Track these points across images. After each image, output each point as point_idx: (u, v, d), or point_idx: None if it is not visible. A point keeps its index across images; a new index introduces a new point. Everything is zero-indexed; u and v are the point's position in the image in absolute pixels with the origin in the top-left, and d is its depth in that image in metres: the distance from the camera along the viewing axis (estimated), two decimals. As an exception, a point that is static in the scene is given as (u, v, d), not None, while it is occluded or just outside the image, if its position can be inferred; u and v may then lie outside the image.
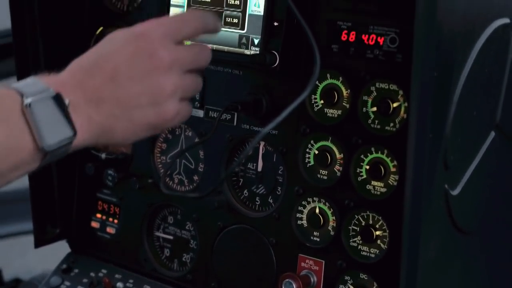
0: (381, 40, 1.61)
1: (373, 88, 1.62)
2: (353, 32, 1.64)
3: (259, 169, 1.83)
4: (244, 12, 1.71)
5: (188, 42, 1.54)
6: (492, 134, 1.67)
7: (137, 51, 1.42)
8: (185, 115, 1.51)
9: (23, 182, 2.15)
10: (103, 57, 1.41)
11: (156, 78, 1.42)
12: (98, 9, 2.05)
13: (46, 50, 1.99)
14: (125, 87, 1.40)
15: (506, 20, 1.62)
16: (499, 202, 1.79)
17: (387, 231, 1.65)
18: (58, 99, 1.31)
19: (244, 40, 1.72)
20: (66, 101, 1.32)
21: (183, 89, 1.47)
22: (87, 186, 2.14)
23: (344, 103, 1.66)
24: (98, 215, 2.15)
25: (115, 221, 2.12)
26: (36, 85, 1.32)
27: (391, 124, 1.60)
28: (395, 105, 1.59)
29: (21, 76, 1.99)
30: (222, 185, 1.86)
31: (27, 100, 1.28)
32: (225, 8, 1.74)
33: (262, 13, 1.69)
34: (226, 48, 1.75)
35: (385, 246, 1.65)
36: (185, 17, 1.52)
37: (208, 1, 1.76)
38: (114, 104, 1.39)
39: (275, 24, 1.67)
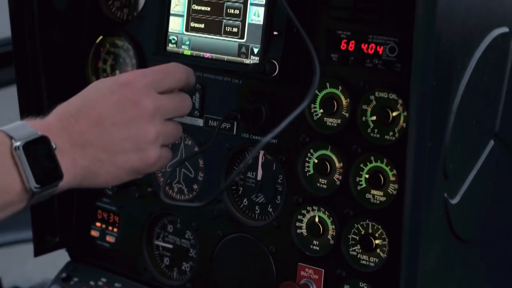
0: (380, 49, 1.61)
1: (372, 97, 1.62)
2: (353, 41, 1.65)
3: (259, 178, 1.83)
4: (243, 21, 1.72)
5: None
6: (491, 143, 1.68)
7: (121, 99, 1.49)
8: (166, 160, 1.60)
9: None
10: (88, 104, 1.48)
11: (140, 124, 1.50)
12: (97, 18, 2.06)
13: (45, 58, 1.99)
14: (110, 132, 1.47)
15: (505, 29, 1.63)
16: (498, 211, 1.79)
17: (387, 240, 1.65)
18: (45, 143, 1.37)
19: (243, 49, 1.72)
20: (53, 145, 1.37)
21: (165, 136, 1.56)
22: (86, 195, 2.14)
23: (343, 112, 1.66)
24: (98, 224, 2.15)
25: (115, 230, 2.12)
26: (24, 128, 1.37)
27: (391, 133, 1.61)
28: (394, 114, 1.60)
29: (21, 85, 1.99)
30: (222, 195, 1.86)
31: (16, 143, 1.34)
32: (225, 17, 1.74)
33: (261, 23, 1.69)
34: (225, 57, 1.75)
35: (385, 255, 1.65)
36: (168, 69, 1.60)
37: (208, 10, 1.76)
38: (99, 148, 1.46)
39: (275, 33, 1.68)
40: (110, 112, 1.48)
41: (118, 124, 1.48)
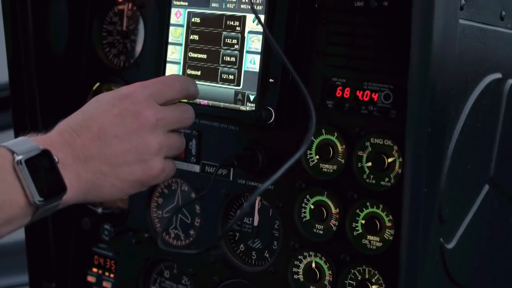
0: (375, 96, 1.63)
1: (368, 144, 1.63)
2: (348, 88, 1.66)
3: (255, 223, 1.83)
4: (239, 68, 1.73)
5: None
6: (486, 187, 1.68)
7: (122, 111, 1.47)
8: (170, 172, 1.56)
9: (20, 235, 2.15)
10: (89, 118, 1.46)
11: (142, 136, 1.47)
12: (94, 65, 2.07)
13: (42, 104, 2.00)
14: (112, 145, 1.45)
15: (498, 75, 1.64)
16: (494, 255, 1.79)
17: (384, 285, 1.65)
18: (48, 156, 1.35)
19: (240, 96, 1.74)
20: (56, 158, 1.36)
21: (168, 147, 1.53)
22: (83, 241, 2.14)
23: (339, 158, 1.67)
24: (94, 270, 2.15)
25: (111, 275, 2.12)
26: (26, 143, 1.36)
27: (386, 179, 1.61)
28: (390, 160, 1.61)
29: (18, 129, 2.01)
30: (219, 241, 1.86)
31: (18, 158, 1.32)
32: (221, 65, 1.76)
33: (257, 70, 1.71)
34: (222, 104, 1.76)
35: (382, 301, 1.65)
36: (168, 81, 1.57)
37: (204, 58, 1.78)
38: (102, 161, 1.44)
39: (271, 80, 1.69)
40: (112, 125, 1.46)
41: (119, 136, 1.46)
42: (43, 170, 1.34)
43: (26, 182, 1.32)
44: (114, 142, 1.45)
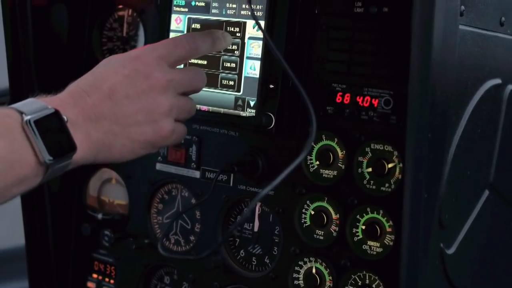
0: (375, 102, 1.63)
1: (368, 149, 1.64)
2: (348, 94, 1.67)
3: (256, 229, 1.83)
4: (240, 74, 1.74)
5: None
6: (486, 192, 1.69)
7: (133, 72, 1.47)
8: (180, 134, 1.55)
9: (20, 241, 2.16)
10: (100, 78, 1.46)
11: (152, 96, 1.47)
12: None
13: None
14: (122, 105, 1.44)
15: (498, 81, 1.65)
16: (494, 260, 1.79)
17: (384, 291, 1.65)
18: (57, 116, 1.35)
19: (240, 102, 1.74)
20: (65, 118, 1.35)
21: (178, 109, 1.52)
22: (83, 246, 2.14)
23: (339, 164, 1.68)
24: (94, 275, 2.15)
25: (111, 281, 2.12)
26: (35, 104, 1.35)
27: (387, 185, 1.62)
28: (390, 165, 1.61)
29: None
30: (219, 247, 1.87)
31: (27, 117, 1.31)
32: (221, 71, 1.76)
33: (257, 76, 1.71)
34: (222, 110, 1.76)
35: (382, 306, 1.66)
36: (177, 41, 1.56)
37: (204, 64, 1.78)
38: (113, 121, 1.43)
39: (271, 86, 1.69)
40: (122, 85, 1.45)
41: (130, 96, 1.45)
42: (52, 129, 1.34)
43: (35, 141, 1.32)
44: (124, 102, 1.45)
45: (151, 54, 1.50)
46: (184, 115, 1.56)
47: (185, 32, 1.81)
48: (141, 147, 1.49)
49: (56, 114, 1.35)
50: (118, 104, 1.44)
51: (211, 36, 1.60)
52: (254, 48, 1.72)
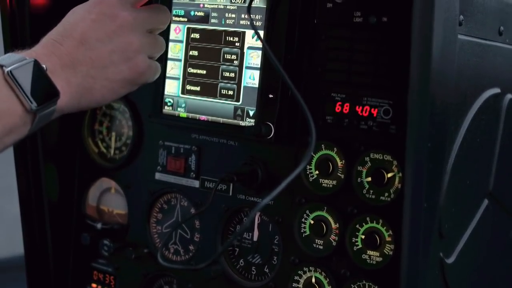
0: (374, 112, 1.63)
1: (367, 159, 1.64)
2: (347, 104, 1.67)
3: (255, 238, 1.83)
4: (239, 84, 1.74)
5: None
6: (486, 201, 1.69)
7: (99, 16, 1.52)
8: (156, 69, 1.60)
9: (19, 250, 2.15)
10: (69, 27, 1.51)
11: (123, 35, 1.52)
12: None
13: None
14: (95, 48, 1.49)
15: (497, 90, 1.65)
16: (493, 269, 1.79)
17: (384, 300, 1.65)
18: (36, 65, 1.40)
19: (239, 112, 1.74)
20: (44, 67, 1.40)
21: (149, 46, 1.57)
22: (82, 256, 2.14)
23: (339, 174, 1.68)
24: (94, 285, 2.15)
25: (111, 291, 2.12)
26: (13, 57, 1.41)
27: (386, 194, 1.62)
28: (389, 175, 1.61)
29: (16, 146, 2.01)
30: (219, 258, 1.86)
31: (8, 69, 1.37)
32: (221, 80, 1.76)
33: (257, 86, 1.71)
34: (221, 120, 1.76)
35: (382, 316, 1.65)
36: None
37: (203, 74, 1.79)
38: (89, 65, 1.48)
39: (270, 96, 1.69)
40: (92, 30, 1.50)
41: (101, 39, 1.50)
42: (34, 77, 1.39)
43: (19, 90, 1.37)
44: (97, 45, 1.50)
45: None
46: (155, 52, 1.60)
47: (184, 42, 1.81)
48: (120, 86, 1.54)
49: (36, 64, 1.40)
50: (92, 48, 1.49)
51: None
52: (253, 58, 1.72)
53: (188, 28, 1.81)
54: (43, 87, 1.39)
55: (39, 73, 1.40)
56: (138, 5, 1.57)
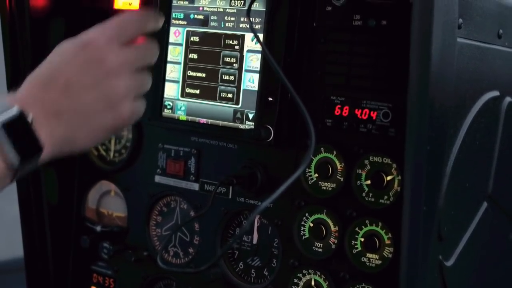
0: (374, 115, 1.63)
1: (366, 162, 1.64)
2: (346, 107, 1.67)
3: (255, 241, 1.83)
4: (238, 87, 1.74)
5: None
6: (485, 204, 1.69)
7: (86, 60, 1.46)
8: (139, 112, 1.56)
9: (19, 252, 2.15)
10: (55, 70, 1.46)
11: (109, 82, 1.47)
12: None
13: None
14: (80, 96, 1.44)
15: (496, 93, 1.65)
16: (493, 272, 1.79)
17: (383, 303, 1.65)
18: (22, 118, 1.35)
19: (238, 115, 1.74)
20: (30, 118, 1.36)
21: (135, 88, 1.53)
22: (82, 259, 2.14)
23: (338, 177, 1.68)
24: (93, 288, 2.15)
25: (110, 294, 2.12)
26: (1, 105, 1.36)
27: (385, 197, 1.62)
28: (388, 178, 1.61)
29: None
30: (219, 260, 1.86)
31: None
32: (220, 83, 1.77)
33: (256, 89, 1.71)
34: (221, 123, 1.77)
35: (382, 319, 1.65)
36: (126, 19, 1.56)
37: (203, 77, 1.79)
38: (73, 114, 1.44)
39: (270, 99, 1.69)
40: (77, 76, 1.45)
41: (86, 86, 1.45)
42: (20, 133, 1.35)
43: (3, 146, 1.33)
44: (81, 93, 1.45)
45: (101, 37, 1.50)
46: (141, 91, 1.57)
47: (184, 45, 1.81)
48: (103, 134, 1.51)
49: (22, 116, 1.35)
50: (76, 96, 1.44)
51: (153, 13, 1.61)
52: (253, 61, 1.72)
53: (188, 31, 1.81)
54: (27, 143, 1.36)
55: (26, 127, 1.36)
56: (126, 43, 1.54)
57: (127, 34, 1.54)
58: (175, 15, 1.83)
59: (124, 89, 1.49)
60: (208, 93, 1.78)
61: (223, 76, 1.76)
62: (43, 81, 1.44)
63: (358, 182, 1.65)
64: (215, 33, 1.77)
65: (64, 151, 1.46)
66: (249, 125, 1.73)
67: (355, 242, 1.67)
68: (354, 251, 1.67)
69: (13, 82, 1.97)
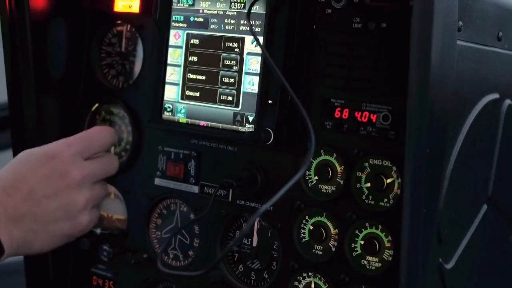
0: (374, 117, 1.63)
1: (366, 164, 1.64)
2: (346, 110, 1.67)
3: (254, 244, 1.83)
4: (238, 90, 1.74)
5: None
6: (485, 207, 1.69)
7: (50, 172, 1.58)
8: (95, 220, 1.70)
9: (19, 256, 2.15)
10: (19, 178, 1.56)
11: (70, 194, 1.59)
12: (93, 86, 2.07)
13: (41, 124, 2.01)
14: (41, 204, 1.55)
15: (495, 95, 1.65)
16: (492, 275, 1.79)
17: (383, 306, 1.65)
18: None
19: (238, 118, 1.74)
20: None
21: (94, 199, 1.66)
22: (81, 261, 2.14)
23: (338, 179, 1.68)
24: (93, 291, 2.15)
25: (110, 296, 2.12)
26: None
27: (385, 200, 1.62)
28: (388, 181, 1.61)
29: (16, 150, 2.01)
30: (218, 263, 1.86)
31: None
32: (220, 86, 1.77)
33: (256, 91, 1.71)
34: (221, 125, 1.77)
35: (381, 321, 1.65)
36: (93, 136, 1.69)
37: (203, 79, 1.79)
38: (33, 220, 1.54)
39: (269, 102, 1.69)
40: (41, 185, 1.55)
41: (48, 196, 1.55)
42: None
43: None
44: (43, 201, 1.55)
45: (68, 151, 1.62)
46: (99, 201, 1.70)
47: (184, 47, 1.81)
48: (60, 240, 1.62)
49: None
50: (38, 204, 1.55)
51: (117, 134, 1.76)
52: (253, 64, 1.72)
53: (188, 34, 1.81)
54: None
55: None
56: (90, 158, 1.65)
57: (91, 150, 1.67)
58: (175, 17, 1.83)
59: (83, 202, 1.62)
60: (208, 96, 1.78)
61: (223, 78, 1.76)
62: (7, 186, 1.53)
63: (358, 184, 1.65)
64: (215, 35, 1.77)
65: (20, 253, 1.55)
66: (249, 127, 1.73)
67: (355, 245, 1.67)
68: (354, 253, 1.67)
69: (14, 85, 1.97)
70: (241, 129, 1.74)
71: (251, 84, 1.72)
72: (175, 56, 1.83)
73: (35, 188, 1.55)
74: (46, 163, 1.59)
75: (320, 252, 1.72)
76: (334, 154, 1.68)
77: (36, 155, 1.60)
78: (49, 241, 1.60)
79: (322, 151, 1.69)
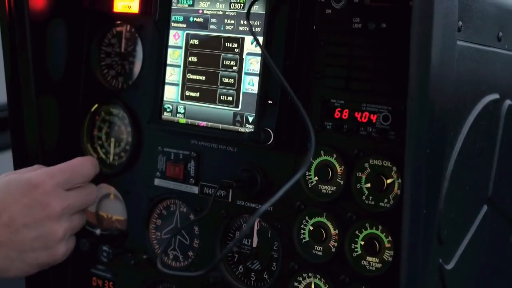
0: (374, 118, 1.63)
1: (366, 165, 1.64)
2: (346, 110, 1.67)
3: (254, 245, 1.83)
4: (238, 90, 1.74)
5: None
6: (485, 207, 1.69)
7: (31, 202, 1.60)
8: (71, 249, 1.72)
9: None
10: (0, 205, 1.59)
11: (48, 225, 1.61)
12: (93, 87, 2.07)
13: (41, 125, 2.00)
14: (20, 233, 1.58)
15: (496, 96, 1.65)
16: (492, 275, 1.79)
17: (383, 306, 1.65)
18: None
19: (238, 118, 1.74)
20: None
21: (72, 229, 1.69)
22: (81, 262, 2.14)
23: (338, 180, 1.67)
24: (93, 291, 2.15)
25: (110, 297, 2.12)
26: None
27: (385, 200, 1.62)
28: (389, 181, 1.61)
29: (16, 151, 2.01)
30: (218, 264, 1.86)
31: None
32: (220, 86, 1.76)
33: (256, 92, 1.71)
34: (220, 126, 1.76)
35: (382, 322, 1.65)
36: (75, 168, 1.72)
37: (202, 80, 1.79)
38: (10, 248, 1.57)
39: (269, 102, 1.69)
40: (21, 214, 1.58)
41: (28, 225, 1.58)
42: None
43: None
44: (22, 230, 1.58)
45: (50, 181, 1.64)
46: (76, 231, 1.73)
47: (183, 48, 1.81)
48: (35, 269, 1.65)
49: None
50: (16, 232, 1.58)
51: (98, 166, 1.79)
52: (253, 64, 1.72)
53: (187, 34, 1.81)
54: None
55: None
56: (71, 188, 1.68)
57: (72, 181, 1.70)
58: (175, 18, 1.83)
59: (62, 233, 1.64)
60: (208, 96, 1.78)
61: (223, 79, 1.76)
62: None
63: (358, 185, 1.65)
64: (214, 36, 1.77)
65: None
66: (249, 128, 1.72)
67: (355, 246, 1.66)
68: (354, 254, 1.67)
69: (13, 86, 1.96)
70: (241, 129, 1.74)
71: (250, 85, 1.72)
72: (174, 56, 1.83)
73: (15, 216, 1.59)
74: (28, 193, 1.62)
75: (320, 253, 1.71)
76: (334, 155, 1.68)
77: (18, 184, 1.64)
78: (24, 269, 1.63)
79: (322, 151, 1.69)
